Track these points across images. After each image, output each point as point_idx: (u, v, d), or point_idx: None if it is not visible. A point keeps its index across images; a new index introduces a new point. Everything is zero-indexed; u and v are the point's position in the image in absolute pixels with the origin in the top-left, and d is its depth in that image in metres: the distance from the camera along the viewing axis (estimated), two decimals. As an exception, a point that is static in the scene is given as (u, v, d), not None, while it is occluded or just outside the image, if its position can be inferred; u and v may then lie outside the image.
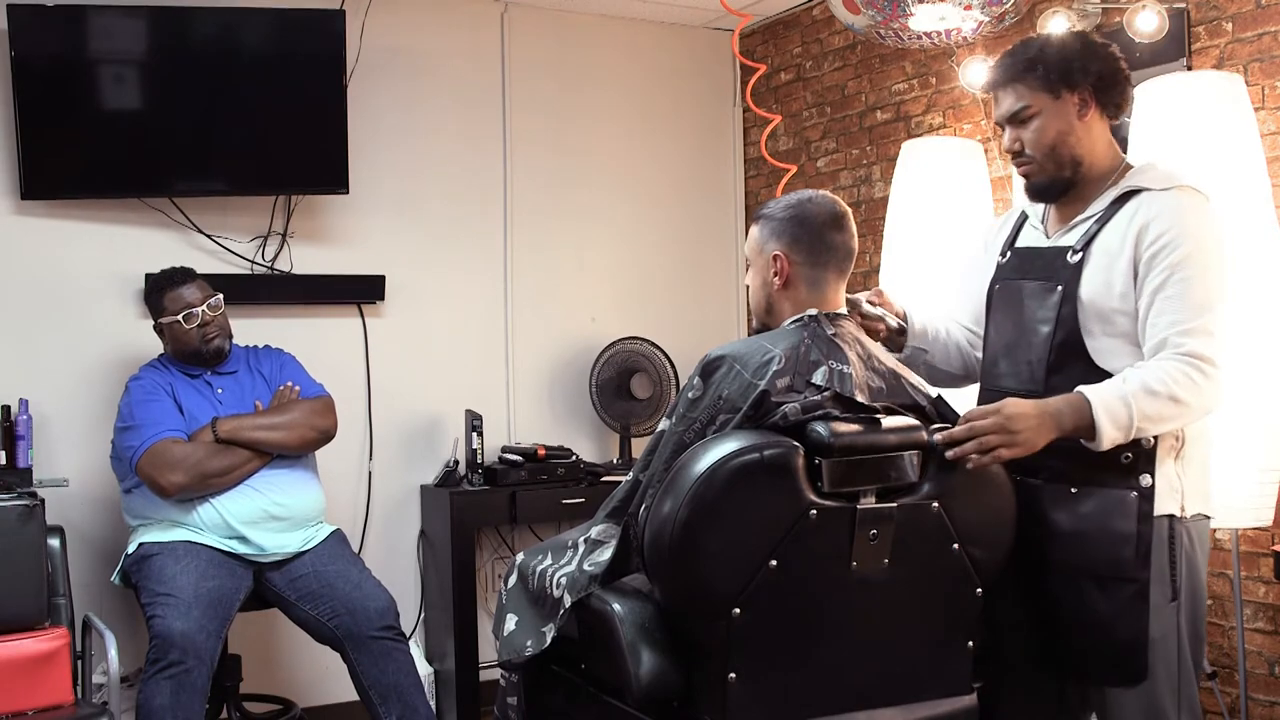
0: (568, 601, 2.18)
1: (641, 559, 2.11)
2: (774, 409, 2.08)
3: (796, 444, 2.04)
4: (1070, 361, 2.18)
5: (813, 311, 2.22)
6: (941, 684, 2.18)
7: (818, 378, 2.11)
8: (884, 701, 2.14)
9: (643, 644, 2.08)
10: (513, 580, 2.40)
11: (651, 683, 2.06)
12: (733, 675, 2.01)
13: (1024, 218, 2.43)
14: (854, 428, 2.06)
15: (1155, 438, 2.13)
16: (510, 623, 2.33)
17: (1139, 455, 2.13)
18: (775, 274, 2.25)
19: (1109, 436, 2.07)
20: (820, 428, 2.05)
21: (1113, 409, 2.06)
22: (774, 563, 2.01)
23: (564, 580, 2.22)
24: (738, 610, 2.00)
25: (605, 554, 2.19)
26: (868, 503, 2.06)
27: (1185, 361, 2.07)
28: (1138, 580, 2.12)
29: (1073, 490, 2.18)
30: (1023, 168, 2.28)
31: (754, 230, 2.31)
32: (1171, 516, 2.15)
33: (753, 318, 2.37)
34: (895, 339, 2.48)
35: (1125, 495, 2.13)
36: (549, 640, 2.22)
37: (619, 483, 2.33)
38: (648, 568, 2.09)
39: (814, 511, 2.02)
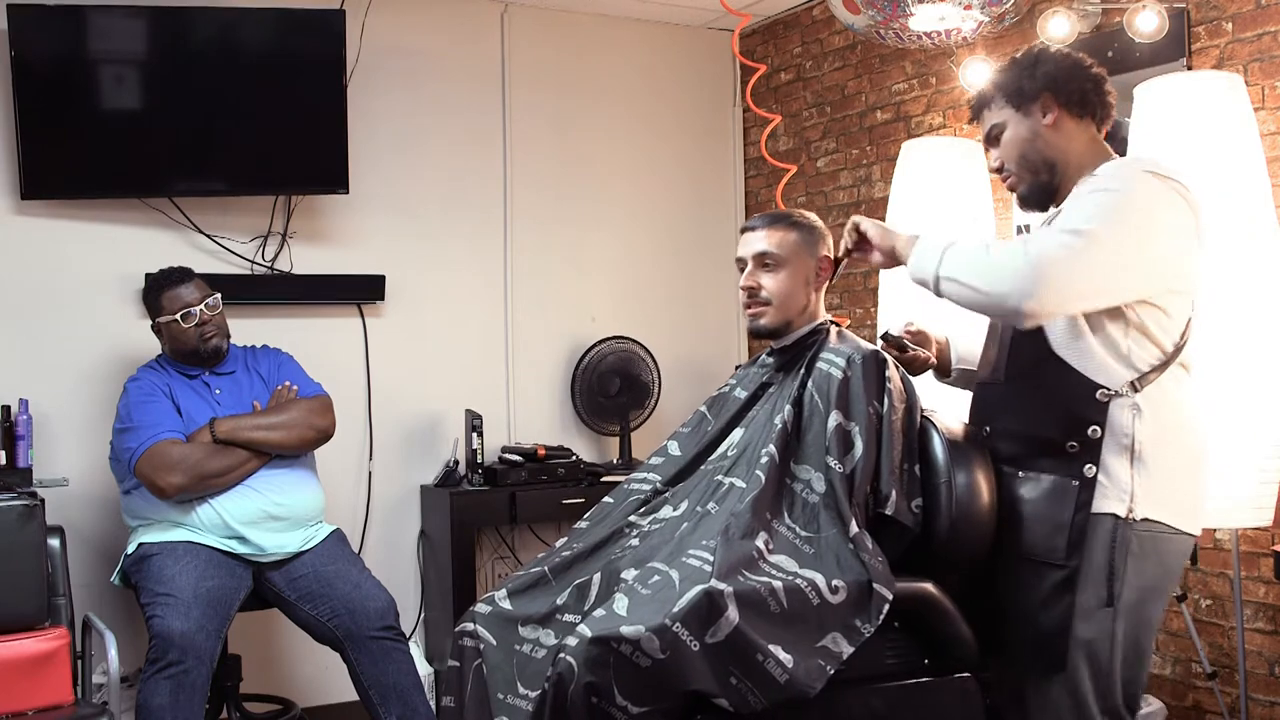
0: (888, 594, 2.13)
1: (941, 531, 2.25)
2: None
3: None
4: (1026, 352, 2.20)
5: (828, 318, 2.51)
6: None
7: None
8: None
9: (955, 610, 2.25)
10: (732, 614, 2.03)
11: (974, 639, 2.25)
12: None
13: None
14: None
15: (1101, 430, 2.11)
16: (779, 652, 2.06)
17: (1084, 444, 2.13)
18: (821, 276, 2.49)
19: (912, 262, 2.19)
20: None
21: (931, 240, 2.18)
22: None
23: (839, 585, 2.13)
24: None
25: (869, 541, 2.21)
26: None
27: (1022, 240, 2.09)
28: (1065, 567, 2.13)
29: (1020, 474, 2.23)
30: (1006, 181, 2.33)
31: (791, 234, 2.49)
32: (1116, 516, 2.11)
33: (772, 314, 2.51)
34: (939, 364, 2.58)
35: (1067, 483, 2.15)
36: (849, 649, 2.11)
37: (617, 483, 2.29)
38: (967, 533, 2.24)
39: None
